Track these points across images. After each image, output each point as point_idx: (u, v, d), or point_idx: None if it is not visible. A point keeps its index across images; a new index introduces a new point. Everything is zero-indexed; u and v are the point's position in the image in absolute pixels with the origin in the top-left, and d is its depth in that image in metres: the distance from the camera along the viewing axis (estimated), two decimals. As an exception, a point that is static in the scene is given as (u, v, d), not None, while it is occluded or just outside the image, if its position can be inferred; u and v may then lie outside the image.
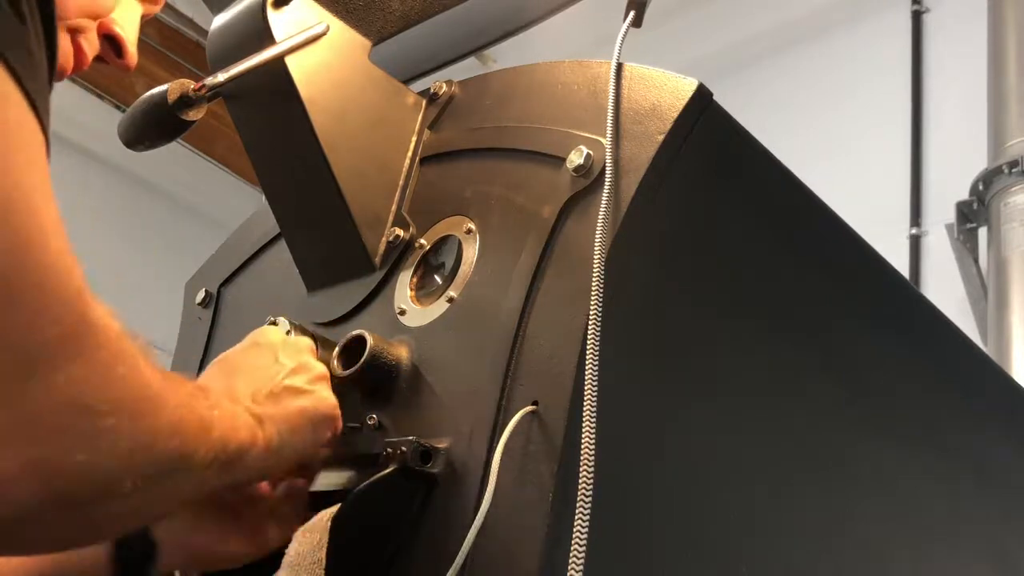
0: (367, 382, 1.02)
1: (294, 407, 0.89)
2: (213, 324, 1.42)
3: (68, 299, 0.60)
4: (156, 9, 1.01)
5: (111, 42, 0.94)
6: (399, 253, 1.14)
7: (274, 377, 0.90)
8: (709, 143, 0.98)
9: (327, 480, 1.01)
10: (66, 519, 0.64)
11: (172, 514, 0.89)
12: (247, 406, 0.85)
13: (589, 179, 0.96)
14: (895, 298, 1.27)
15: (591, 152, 0.96)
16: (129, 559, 0.92)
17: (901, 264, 3.39)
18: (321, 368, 0.96)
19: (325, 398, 0.93)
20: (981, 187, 3.09)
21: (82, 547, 0.84)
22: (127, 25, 0.95)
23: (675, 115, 0.95)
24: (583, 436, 0.82)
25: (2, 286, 0.57)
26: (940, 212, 3.37)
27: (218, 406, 0.78)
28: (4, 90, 0.60)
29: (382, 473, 0.92)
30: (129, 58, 0.95)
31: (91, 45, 0.92)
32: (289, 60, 1.11)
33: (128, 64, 0.96)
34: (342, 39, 1.19)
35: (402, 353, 1.04)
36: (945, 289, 3.22)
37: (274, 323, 1.10)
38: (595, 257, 0.89)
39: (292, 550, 0.89)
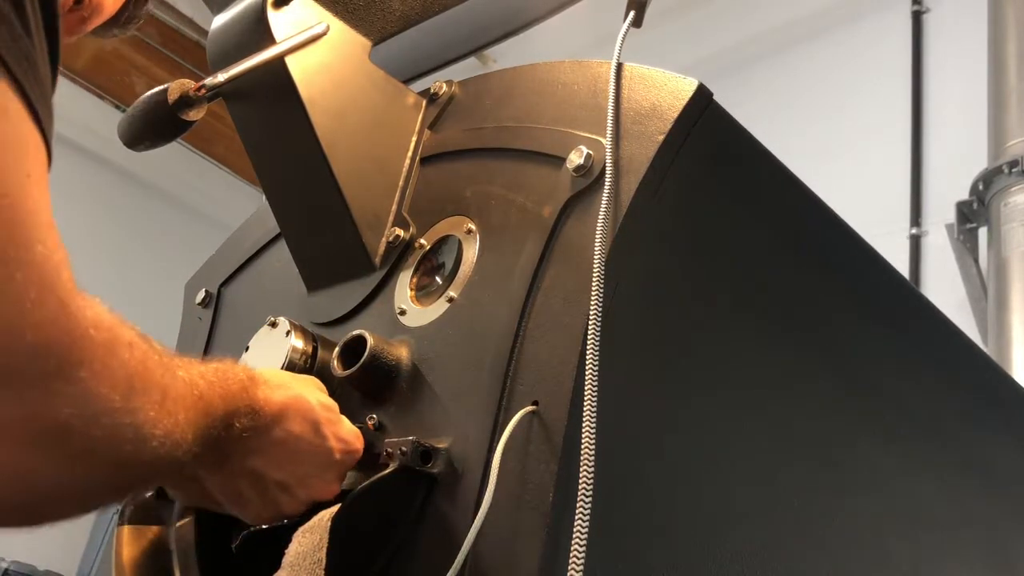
0: (367, 382, 1.02)
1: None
2: (213, 324, 1.42)
3: (50, 307, 0.59)
4: None
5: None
6: (399, 253, 1.14)
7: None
8: (709, 143, 0.98)
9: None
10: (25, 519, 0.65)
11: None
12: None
13: (589, 179, 0.96)
14: (895, 298, 1.27)
15: (591, 152, 0.96)
16: None
17: (901, 264, 3.39)
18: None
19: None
20: (981, 187, 3.09)
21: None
22: None
23: (675, 115, 0.95)
24: (583, 436, 0.82)
25: None
26: (940, 212, 3.38)
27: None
28: (3, 102, 0.60)
29: (382, 473, 0.92)
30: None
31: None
32: (289, 60, 1.11)
33: (84, 18, 0.97)
34: (342, 39, 1.19)
35: (402, 353, 1.04)
36: (945, 289, 3.22)
37: (274, 323, 1.10)
38: (595, 257, 0.89)
39: (292, 550, 0.89)
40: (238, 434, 0.82)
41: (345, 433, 0.94)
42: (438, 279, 1.08)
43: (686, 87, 0.96)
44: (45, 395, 0.59)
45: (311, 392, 0.93)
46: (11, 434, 0.58)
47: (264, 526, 0.95)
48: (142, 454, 0.67)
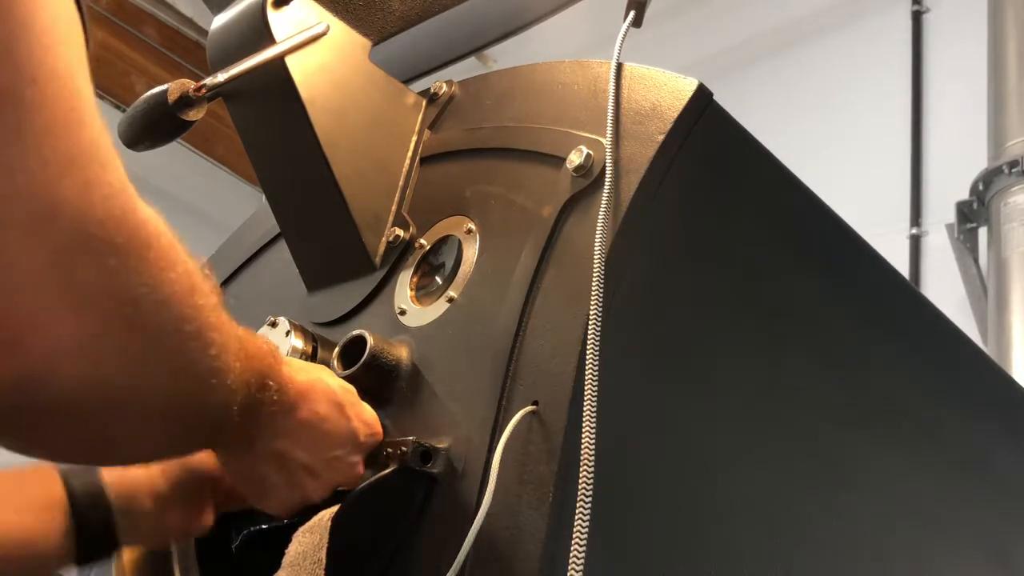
0: (367, 382, 1.02)
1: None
2: (213, 324, 1.41)
3: (112, 183, 0.60)
4: None
5: None
6: (399, 253, 1.14)
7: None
8: (709, 143, 0.98)
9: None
10: (84, 418, 0.63)
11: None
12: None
13: (589, 179, 0.96)
14: (895, 298, 1.27)
15: (591, 152, 0.96)
16: (89, 533, 0.90)
17: (901, 264, 3.39)
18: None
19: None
20: (981, 187, 3.09)
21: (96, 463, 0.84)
22: None
23: (675, 115, 0.95)
24: (583, 436, 0.82)
25: (53, 168, 0.57)
26: (940, 212, 3.38)
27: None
28: None
29: (382, 473, 0.92)
30: None
31: None
32: (289, 60, 1.11)
33: None
34: (342, 39, 1.19)
35: (402, 353, 1.04)
36: (945, 289, 3.22)
37: (274, 323, 1.10)
38: (595, 257, 0.89)
39: (292, 550, 0.89)
40: (267, 408, 0.82)
41: (367, 415, 0.95)
42: (438, 279, 1.08)
43: (686, 87, 0.96)
44: (121, 265, 0.60)
45: (329, 375, 0.94)
46: (92, 299, 0.59)
47: (284, 520, 0.95)
48: (201, 363, 0.67)
